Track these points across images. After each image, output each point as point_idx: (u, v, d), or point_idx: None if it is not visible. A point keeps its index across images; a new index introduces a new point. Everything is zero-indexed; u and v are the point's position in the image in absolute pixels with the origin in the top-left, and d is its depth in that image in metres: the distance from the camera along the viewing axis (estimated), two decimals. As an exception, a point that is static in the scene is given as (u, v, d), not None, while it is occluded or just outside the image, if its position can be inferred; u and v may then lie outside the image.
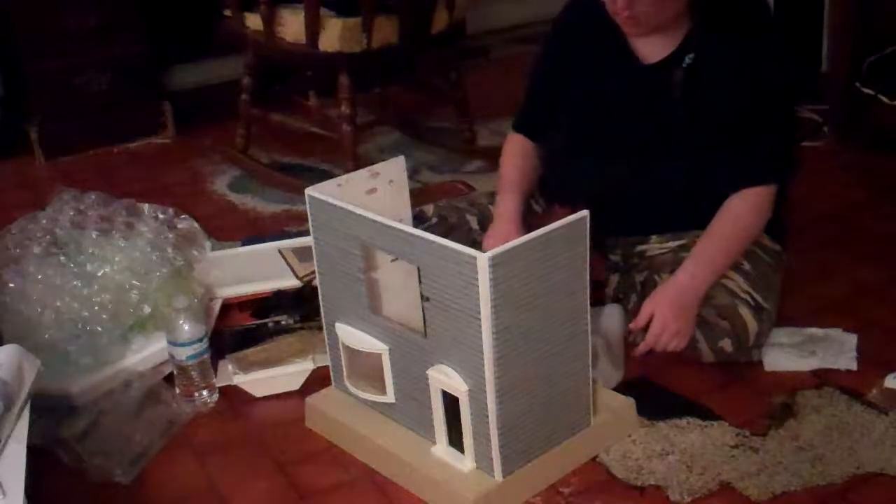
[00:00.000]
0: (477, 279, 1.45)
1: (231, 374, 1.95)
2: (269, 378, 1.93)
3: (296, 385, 1.94)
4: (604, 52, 1.94)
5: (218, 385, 1.94)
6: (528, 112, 2.11)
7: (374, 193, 1.77)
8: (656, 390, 1.88)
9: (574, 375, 1.65)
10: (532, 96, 2.10)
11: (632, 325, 1.87)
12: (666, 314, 1.81)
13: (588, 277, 1.60)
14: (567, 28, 2.02)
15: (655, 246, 2.01)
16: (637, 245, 2.04)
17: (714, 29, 1.85)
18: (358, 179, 1.77)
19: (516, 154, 2.08)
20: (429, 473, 1.63)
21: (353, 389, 1.77)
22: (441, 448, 1.65)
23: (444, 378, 1.58)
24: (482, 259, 1.43)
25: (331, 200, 1.67)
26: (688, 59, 1.87)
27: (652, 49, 1.90)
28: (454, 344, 1.55)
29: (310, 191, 1.72)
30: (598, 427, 1.71)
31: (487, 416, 1.54)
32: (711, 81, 1.86)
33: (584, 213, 1.55)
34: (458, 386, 1.56)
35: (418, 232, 1.55)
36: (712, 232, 1.87)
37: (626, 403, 1.77)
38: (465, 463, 1.61)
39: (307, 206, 1.72)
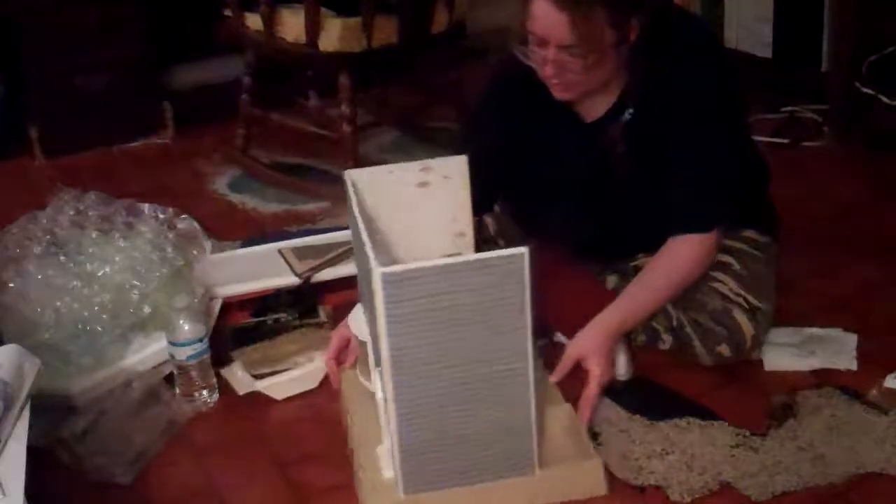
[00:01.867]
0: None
1: (252, 382, 1.95)
2: (288, 381, 1.94)
3: (314, 383, 1.94)
4: (544, 115, 1.87)
5: (240, 393, 1.94)
6: None
7: (426, 188, 1.73)
8: (656, 390, 1.87)
9: (510, 421, 1.54)
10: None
11: (553, 378, 1.75)
12: (604, 364, 1.75)
13: (529, 319, 1.47)
14: (499, 98, 1.95)
15: (645, 260, 2.01)
16: (628, 263, 2.04)
17: (654, 79, 1.79)
18: (408, 171, 1.74)
19: None
20: (362, 469, 1.63)
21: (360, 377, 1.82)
22: (382, 448, 1.63)
23: (374, 381, 1.59)
24: (377, 274, 1.39)
25: None
26: (627, 115, 1.83)
27: (591, 106, 1.86)
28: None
29: (350, 174, 1.69)
30: (545, 479, 1.60)
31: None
32: (653, 134, 1.81)
33: (522, 250, 1.43)
34: (379, 393, 1.55)
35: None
36: (649, 274, 1.84)
37: (593, 463, 1.63)
38: (388, 470, 1.60)
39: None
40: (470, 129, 2.03)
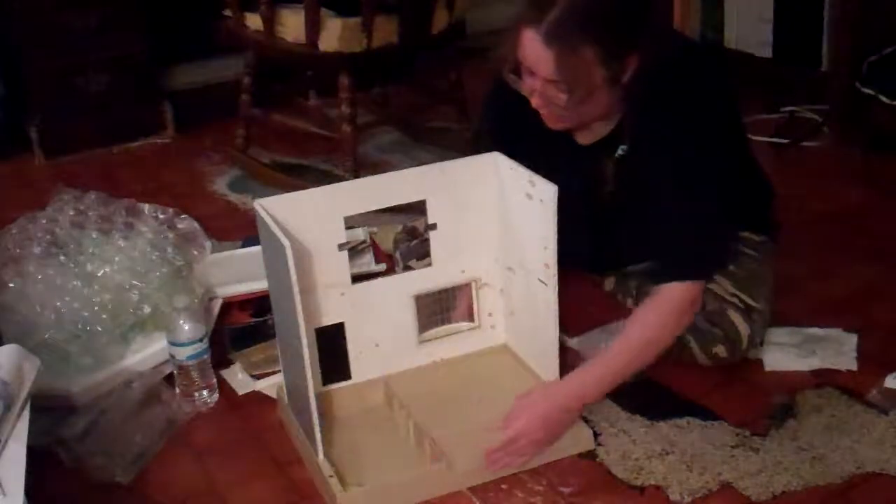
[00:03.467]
0: None
1: (252, 382, 1.96)
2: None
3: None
4: (538, 132, 1.82)
5: (240, 393, 1.95)
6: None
7: (531, 200, 1.72)
8: (656, 390, 1.87)
9: (298, 380, 1.64)
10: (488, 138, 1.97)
11: (501, 425, 1.68)
12: (534, 422, 1.66)
13: (298, 307, 1.53)
14: (495, 113, 1.92)
15: (638, 267, 2.02)
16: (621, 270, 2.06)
17: (648, 117, 1.72)
18: (520, 175, 1.73)
19: None
20: None
21: None
22: None
23: None
24: (257, 204, 1.64)
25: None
26: (620, 151, 1.79)
27: (587, 132, 1.83)
28: None
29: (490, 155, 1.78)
30: (320, 468, 1.65)
31: None
32: (643, 172, 1.76)
33: (286, 242, 1.50)
34: None
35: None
36: (621, 341, 1.72)
37: (345, 495, 1.60)
38: None
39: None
40: (474, 141, 2.01)
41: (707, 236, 1.75)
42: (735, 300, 1.86)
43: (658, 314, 1.73)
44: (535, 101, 1.70)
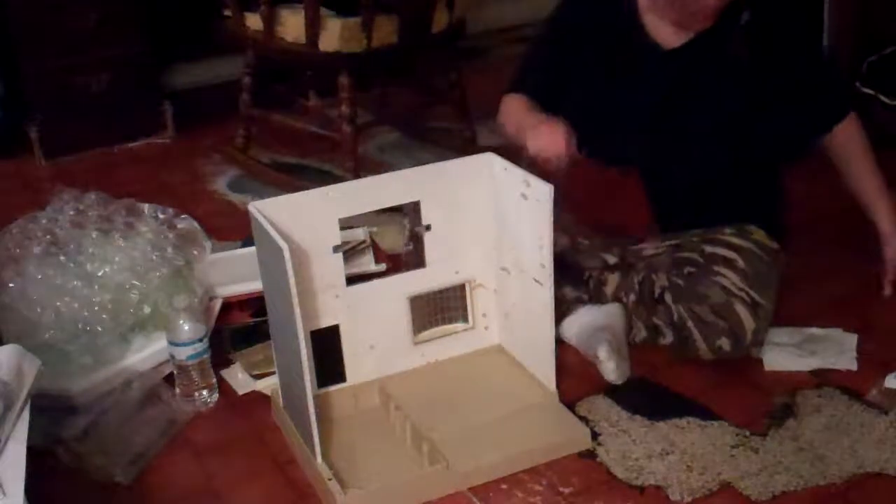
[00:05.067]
0: None
1: (252, 382, 1.96)
2: None
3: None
4: (619, 38, 1.92)
5: (240, 393, 1.95)
6: (532, 77, 2.03)
7: (526, 201, 1.73)
8: (656, 390, 1.88)
9: (295, 383, 1.64)
10: (537, 64, 2.05)
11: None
12: None
13: (296, 310, 1.54)
14: (577, 13, 1.99)
15: (650, 247, 2.01)
16: (634, 244, 2.05)
17: None
18: (515, 176, 1.74)
19: (524, 104, 1.97)
20: None
21: None
22: None
23: None
24: (251, 207, 1.68)
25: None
26: (745, 17, 1.87)
27: (674, 34, 1.91)
28: None
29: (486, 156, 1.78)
30: (319, 472, 1.65)
31: None
32: (770, 33, 1.89)
33: (284, 245, 1.52)
34: None
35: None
36: (857, 161, 2.07)
37: (348, 497, 1.61)
38: None
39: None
40: (544, 36, 2.06)
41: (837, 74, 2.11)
42: (743, 294, 1.87)
43: (851, 133, 2.05)
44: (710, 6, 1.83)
